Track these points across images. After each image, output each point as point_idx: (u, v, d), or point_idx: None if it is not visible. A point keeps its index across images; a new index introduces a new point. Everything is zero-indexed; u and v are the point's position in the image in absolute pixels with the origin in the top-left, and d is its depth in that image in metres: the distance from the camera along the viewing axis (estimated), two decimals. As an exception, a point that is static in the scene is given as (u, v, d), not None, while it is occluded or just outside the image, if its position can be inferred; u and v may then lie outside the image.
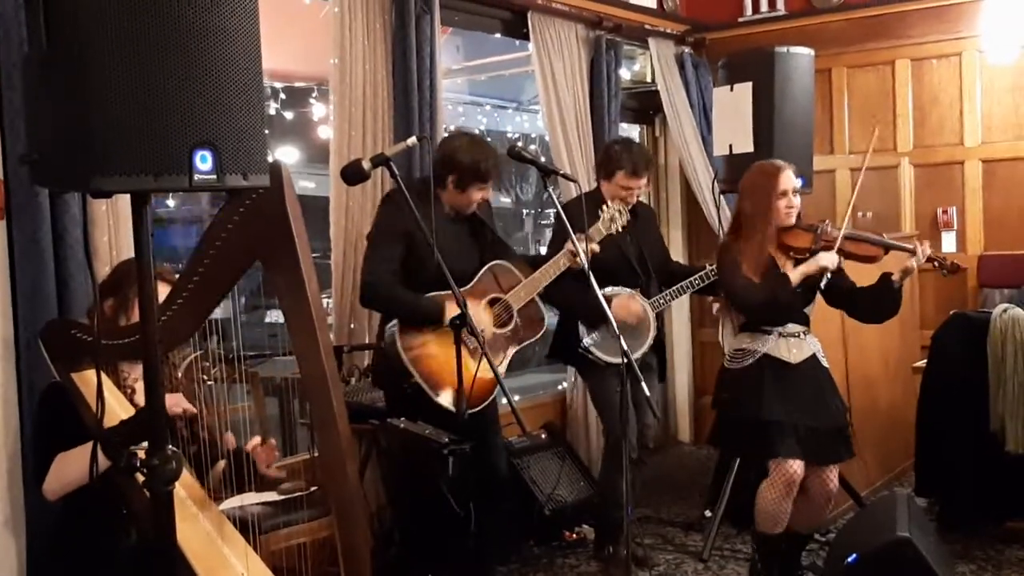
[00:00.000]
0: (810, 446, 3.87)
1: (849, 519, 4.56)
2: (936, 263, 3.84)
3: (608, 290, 4.28)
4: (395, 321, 3.80)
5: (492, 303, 3.95)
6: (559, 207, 3.85)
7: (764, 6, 6.67)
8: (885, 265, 3.94)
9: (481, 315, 3.85)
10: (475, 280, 3.92)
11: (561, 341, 4.61)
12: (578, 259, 3.71)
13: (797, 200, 3.95)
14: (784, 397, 3.86)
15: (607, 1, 6.11)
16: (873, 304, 3.99)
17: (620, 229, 4.10)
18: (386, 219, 3.88)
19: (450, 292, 3.41)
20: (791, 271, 3.88)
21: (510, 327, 3.95)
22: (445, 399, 3.70)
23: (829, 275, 3.88)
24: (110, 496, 2.49)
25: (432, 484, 3.39)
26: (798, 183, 4.00)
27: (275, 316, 7.40)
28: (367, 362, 4.42)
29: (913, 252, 3.83)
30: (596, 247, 3.90)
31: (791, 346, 3.95)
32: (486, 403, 3.82)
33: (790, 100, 4.88)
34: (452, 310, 3.58)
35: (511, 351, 3.98)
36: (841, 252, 3.88)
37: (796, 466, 3.84)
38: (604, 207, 4.10)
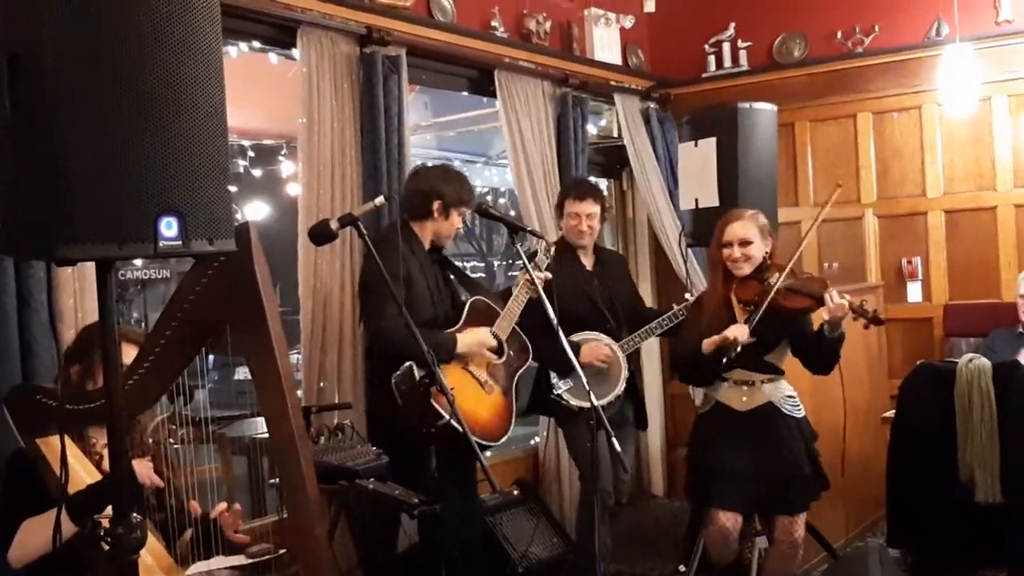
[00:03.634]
0: (755, 496, 3.88)
1: (823, 571, 4.55)
2: (856, 315, 3.76)
3: (578, 336, 4.37)
4: (408, 365, 3.67)
5: None
6: (526, 262, 3.87)
7: (728, 62, 6.80)
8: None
9: (488, 341, 3.99)
10: (464, 316, 4.00)
11: (537, 394, 4.61)
12: (534, 285, 3.78)
13: (747, 251, 3.94)
14: (730, 445, 3.89)
15: (573, 59, 6.19)
16: (809, 354, 3.99)
17: (553, 255, 4.19)
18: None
19: (454, 329, 3.75)
20: (716, 336, 3.84)
21: (505, 357, 4.06)
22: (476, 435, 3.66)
23: (738, 349, 3.77)
24: (75, 564, 2.45)
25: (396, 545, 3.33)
26: (749, 235, 3.96)
27: (243, 373, 7.31)
28: (336, 421, 4.36)
29: (822, 302, 3.79)
30: (548, 274, 3.97)
31: (743, 394, 3.96)
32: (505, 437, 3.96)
33: (754, 155, 4.93)
34: (463, 340, 3.87)
35: (514, 379, 4.12)
36: (776, 304, 3.84)
37: (726, 518, 3.85)
38: (539, 244, 4.25)
